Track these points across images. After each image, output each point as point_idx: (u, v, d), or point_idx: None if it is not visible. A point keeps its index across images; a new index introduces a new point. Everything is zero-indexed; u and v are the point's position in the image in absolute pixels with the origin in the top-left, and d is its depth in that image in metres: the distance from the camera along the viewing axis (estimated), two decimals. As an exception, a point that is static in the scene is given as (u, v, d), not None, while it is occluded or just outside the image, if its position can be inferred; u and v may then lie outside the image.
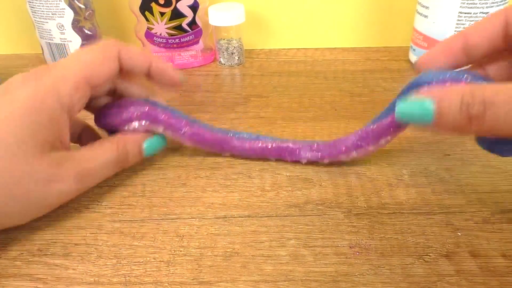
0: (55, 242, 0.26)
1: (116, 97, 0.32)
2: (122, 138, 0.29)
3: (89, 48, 0.28)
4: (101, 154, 0.28)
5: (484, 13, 0.39)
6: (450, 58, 0.25)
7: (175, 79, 0.31)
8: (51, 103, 0.25)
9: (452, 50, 0.25)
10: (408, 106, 0.22)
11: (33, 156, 0.24)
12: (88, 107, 0.31)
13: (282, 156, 0.31)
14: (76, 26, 0.46)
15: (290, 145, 0.31)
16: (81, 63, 0.27)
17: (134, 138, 0.30)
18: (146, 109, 0.30)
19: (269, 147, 0.31)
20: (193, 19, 0.47)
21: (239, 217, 0.27)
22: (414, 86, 0.25)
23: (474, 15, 0.40)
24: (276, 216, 0.27)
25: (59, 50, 0.47)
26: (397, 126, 0.28)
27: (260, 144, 0.31)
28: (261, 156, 0.32)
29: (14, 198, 0.23)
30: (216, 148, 0.32)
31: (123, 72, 0.29)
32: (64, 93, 0.25)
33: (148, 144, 0.30)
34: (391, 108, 0.27)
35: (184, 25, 0.47)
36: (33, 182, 0.24)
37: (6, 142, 0.23)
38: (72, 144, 0.31)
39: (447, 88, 0.21)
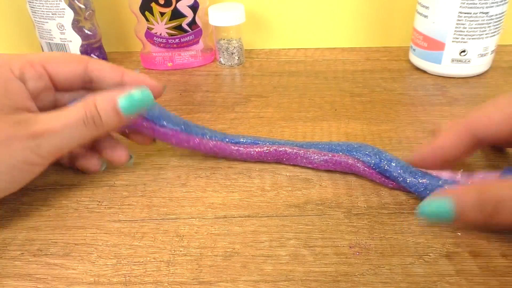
0: (55, 242, 0.26)
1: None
2: (91, 96, 0.26)
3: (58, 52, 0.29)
4: (65, 115, 0.26)
5: (484, 13, 0.39)
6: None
7: (154, 86, 0.30)
8: (3, 72, 0.26)
9: (430, 159, 0.27)
10: (429, 207, 0.22)
11: None
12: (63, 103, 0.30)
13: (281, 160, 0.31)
14: (76, 26, 0.46)
15: (287, 149, 0.31)
16: (39, 54, 0.28)
17: (106, 95, 0.26)
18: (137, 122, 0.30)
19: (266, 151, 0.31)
20: (193, 19, 0.47)
21: (239, 217, 0.27)
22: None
23: (474, 15, 0.40)
24: (276, 216, 0.27)
25: (59, 50, 0.47)
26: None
27: (258, 149, 0.31)
28: (260, 159, 0.32)
29: None
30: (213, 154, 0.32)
31: (93, 83, 0.29)
32: (15, 66, 0.26)
33: (125, 101, 0.26)
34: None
35: (184, 25, 0.47)
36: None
37: None
38: None
39: (465, 188, 0.23)
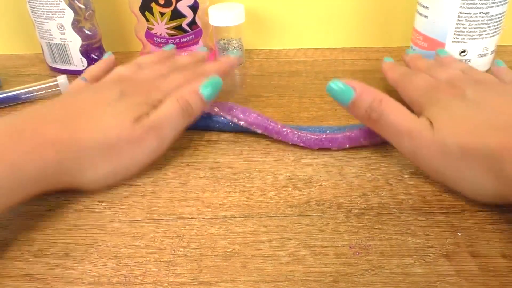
0: (55, 242, 0.26)
1: None
2: (179, 92, 0.32)
3: None
4: (167, 110, 0.31)
5: (484, 13, 0.39)
6: None
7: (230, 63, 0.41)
8: None
9: None
10: (337, 85, 0.29)
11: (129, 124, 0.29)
12: None
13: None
14: (76, 26, 0.46)
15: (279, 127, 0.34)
16: None
17: (190, 89, 0.32)
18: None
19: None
20: (193, 19, 0.47)
21: (239, 217, 0.27)
22: None
23: (474, 15, 0.40)
24: (276, 216, 0.27)
25: (59, 50, 0.47)
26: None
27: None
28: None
29: (111, 159, 0.28)
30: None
31: None
32: None
33: (205, 89, 0.32)
34: None
35: (184, 25, 0.47)
36: (127, 145, 0.29)
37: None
38: None
39: (368, 88, 0.30)
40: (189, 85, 0.33)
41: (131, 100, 0.31)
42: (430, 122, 0.27)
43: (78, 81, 0.36)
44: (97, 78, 0.37)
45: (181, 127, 0.32)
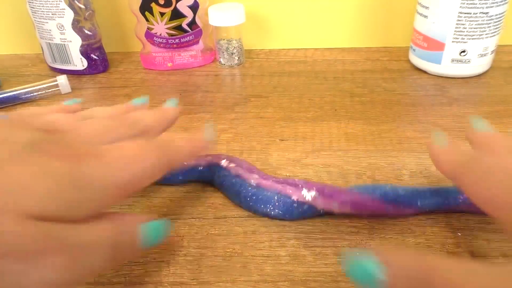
0: (55, 242, 0.26)
1: None
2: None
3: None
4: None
5: (484, 13, 0.39)
6: None
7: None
8: None
9: None
10: (357, 267, 0.17)
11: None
12: None
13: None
14: (76, 26, 0.46)
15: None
16: None
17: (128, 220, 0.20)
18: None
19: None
20: (193, 19, 0.47)
21: (239, 217, 0.27)
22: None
23: (474, 15, 0.40)
24: (276, 216, 0.27)
25: (59, 50, 0.47)
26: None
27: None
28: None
29: None
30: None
31: None
32: None
33: (146, 232, 0.20)
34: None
35: (184, 25, 0.47)
36: None
37: None
38: None
39: (404, 257, 0.17)
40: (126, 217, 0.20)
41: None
42: None
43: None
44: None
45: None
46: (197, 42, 0.48)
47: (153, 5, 0.45)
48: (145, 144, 0.21)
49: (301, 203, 0.25)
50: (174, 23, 0.46)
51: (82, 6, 0.45)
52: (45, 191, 0.16)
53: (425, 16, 0.42)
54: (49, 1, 0.44)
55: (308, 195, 0.25)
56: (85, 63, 0.48)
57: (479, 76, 0.44)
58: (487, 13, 0.40)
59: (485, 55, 0.42)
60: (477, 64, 0.43)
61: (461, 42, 0.41)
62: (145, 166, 0.20)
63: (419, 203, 0.25)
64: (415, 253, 0.18)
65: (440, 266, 0.16)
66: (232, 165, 0.28)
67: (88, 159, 0.18)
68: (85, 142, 0.22)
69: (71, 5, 0.44)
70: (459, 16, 0.40)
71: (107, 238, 0.18)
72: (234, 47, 0.48)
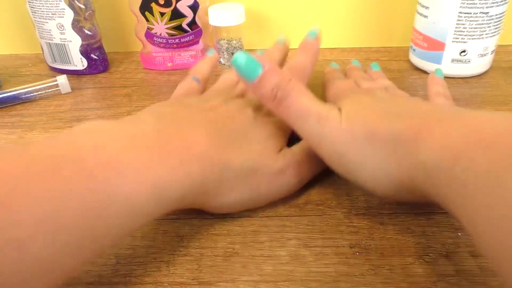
0: (55, 242, 0.26)
1: None
2: None
3: None
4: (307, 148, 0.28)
5: (484, 13, 0.39)
6: None
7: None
8: None
9: None
10: (244, 58, 0.26)
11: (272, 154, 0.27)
12: None
13: None
14: (76, 26, 0.46)
15: None
16: None
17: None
18: None
19: None
20: (193, 19, 0.47)
21: (239, 217, 0.27)
22: None
23: (474, 15, 0.40)
24: (276, 216, 0.27)
25: (59, 50, 0.47)
26: None
27: None
28: None
29: (249, 188, 0.26)
30: None
31: None
32: None
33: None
34: None
35: (184, 25, 0.47)
36: (268, 174, 0.26)
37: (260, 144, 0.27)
38: None
39: (277, 67, 0.26)
40: None
41: (270, 127, 0.28)
42: (339, 109, 0.26)
43: (191, 81, 0.34)
44: (206, 80, 0.35)
45: (320, 167, 0.29)
46: (197, 42, 0.48)
47: (153, 5, 0.45)
48: None
49: None
50: (174, 23, 0.46)
51: (82, 6, 0.45)
52: (278, 136, 0.28)
53: (425, 16, 0.42)
54: (49, 1, 0.44)
55: None
56: (85, 63, 0.48)
57: (479, 76, 0.44)
58: (487, 13, 0.40)
59: (485, 55, 0.42)
60: (477, 64, 0.43)
61: (461, 42, 0.41)
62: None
63: None
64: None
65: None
66: None
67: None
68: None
69: (71, 5, 0.44)
70: (459, 16, 0.40)
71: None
72: (234, 47, 0.48)
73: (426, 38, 0.43)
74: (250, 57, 0.26)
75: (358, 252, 0.24)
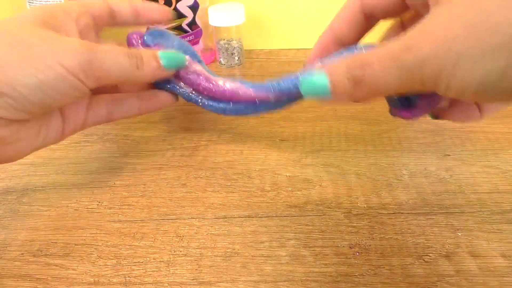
0: (55, 243, 0.26)
1: None
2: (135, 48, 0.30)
3: None
4: (112, 48, 0.26)
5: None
6: (328, 54, 0.27)
7: (163, 11, 0.32)
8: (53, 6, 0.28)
9: (327, 48, 0.28)
10: (308, 83, 0.23)
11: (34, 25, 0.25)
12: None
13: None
14: (76, 26, 0.46)
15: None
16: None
17: (148, 50, 0.30)
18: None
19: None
20: (193, 20, 0.47)
21: (239, 217, 0.27)
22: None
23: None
24: (276, 216, 0.27)
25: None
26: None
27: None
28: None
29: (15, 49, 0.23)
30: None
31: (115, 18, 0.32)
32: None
33: (166, 55, 0.29)
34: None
35: (184, 26, 0.47)
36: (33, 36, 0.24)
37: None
38: None
39: (336, 60, 0.23)
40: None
41: None
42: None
43: None
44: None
45: (125, 73, 0.27)
46: (197, 42, 0.48)
47: (153, 5, 0.45)
48: None
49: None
50: (174, 23, 0.46)
51: (82, 6, 0.45)
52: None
53: (425, 16, 0.42)
54: (49, 1, 0.44)
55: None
56: (85, 63, 0.48)
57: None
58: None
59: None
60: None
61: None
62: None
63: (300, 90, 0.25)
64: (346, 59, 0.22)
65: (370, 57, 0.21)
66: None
67: None
68: None
69: (71, 5, 0.44)
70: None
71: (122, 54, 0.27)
72: (234, 47, 0.48)
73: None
74: (309, 77, 0.23)
75: (358, 252, 0.24)
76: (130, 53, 0.27)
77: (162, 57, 0.29)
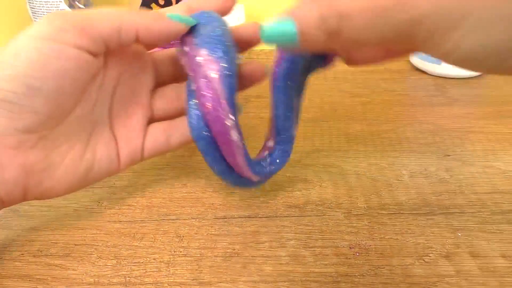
0: (55, 243, 0.26)
1: None
2: None
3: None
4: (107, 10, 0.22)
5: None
6: None
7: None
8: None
9: None
10: (271, 30, 0.20)
11: None
12: None
13: None
14: (76, 26, 0.46)
15: None
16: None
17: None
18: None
19: None
20: (193, 20, 0.47)
21: (239, 217, 0.27)
22: None
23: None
24: (276, 216, 0.27)
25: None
26: None
27: None
28: None
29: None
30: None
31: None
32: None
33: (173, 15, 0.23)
34: None
35: (184, 26, 0.47)
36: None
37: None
38: None
39: (307, 4, 0.19)
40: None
41: None
42: None
43: None
44: None
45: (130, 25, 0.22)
46: (197, 42, 0.48)
47: (153, 5, 0.45)
48: None
49: None
50: (174, 23, 0.46)
51: (82, 7, 0.45)
52: None
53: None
54: (49, 1, 0.44)
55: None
56: (85, 63, 0.48)
57: (479, 76, 0.44)
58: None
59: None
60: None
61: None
62: None
63: None
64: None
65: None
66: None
67: None
68: None
69: (71, 5, 0.44)
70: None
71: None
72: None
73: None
74: (274, 23, 0.20)
75: (358, 253, 0.24)
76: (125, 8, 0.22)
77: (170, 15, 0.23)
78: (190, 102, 0.23)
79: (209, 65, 0.21)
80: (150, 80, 0.27)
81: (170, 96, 0.28)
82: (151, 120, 0.27)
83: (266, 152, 0.27)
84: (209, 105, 0.21)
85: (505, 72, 0.17)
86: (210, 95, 0.21)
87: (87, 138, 0.23)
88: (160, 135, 0.26)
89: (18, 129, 0.20)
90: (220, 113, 0.21)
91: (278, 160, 0.26)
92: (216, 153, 0.23)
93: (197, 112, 0.22)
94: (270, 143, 0.27)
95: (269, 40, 0.20)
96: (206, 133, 0.22)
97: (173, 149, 0.27)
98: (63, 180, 0.22)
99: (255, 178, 0.25)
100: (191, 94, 0.23)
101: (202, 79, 0.21)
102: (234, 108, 0.22)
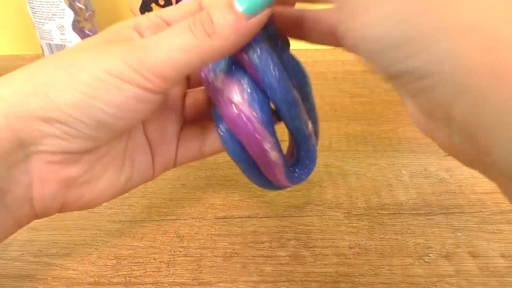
0: (55, 243, 0.26)
1: None
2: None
3: None
4: (166, 32, 0.19)
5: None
6: None
7: None
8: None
9: None
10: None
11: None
12: None
13: None
14: (76, 27, 0.46)
15: None
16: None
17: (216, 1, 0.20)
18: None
19: None
20: (193, 20, 0.47)
21: (239, 217, 0.27)
22: None
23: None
24: (276, 216, 0.27)
25: (59, 51, 0.47)
26: None
27: None
28: None
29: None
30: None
31: None
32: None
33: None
34: None
35: (184, 26, 0.47)
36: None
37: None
38: None
39: None
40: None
41: None
42: None
43: None
44: None
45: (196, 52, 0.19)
46: (197, 43, 0.48)
47: (153, 5, 0.45)
48: None
49: None
50: (174, 24, 0.46)
51: (82, 7, 0.45)
52: None
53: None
54: (49, 2, 0.44)
55: None
56: (85, 63, 0.48)
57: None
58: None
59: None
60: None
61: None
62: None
63: None
64: None
65: None
66: None
67: None
68: None
69: (71, 6, 0.45)
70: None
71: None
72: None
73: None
74: None
75: (358, 253, 0.24)
76: (191, 22, 0.19)
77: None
78: (220, 126, 0.21)
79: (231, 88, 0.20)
80: (182, 83, 0.25)
81: (201, 100, 0.26)
82: (183, 125, 0.25)
83: (293, 158, 0.25)
84: (243, 133, 0.20)
85: (392, 79, 0.15)
86: (243, 123, 0.20)
87: (124, 145, 0.22)
88: (193, 142, 0.25)
89: (66, 151, 0.19)
90: (258, 139, 0.20)
91: (307, 162, 0.25)
92: (255, 170, 0.22)
93: (230, 135, 0.21)
94: (291, 147, 0.26)
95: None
96: (244, 155, 0.21)
97: (206, 156, 0.25)
98: (104, 192, 0.21)
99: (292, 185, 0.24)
100: (219, 119, 0.21)
101: (229, 106, 0.20)
102: (271, 127, 0.21)
